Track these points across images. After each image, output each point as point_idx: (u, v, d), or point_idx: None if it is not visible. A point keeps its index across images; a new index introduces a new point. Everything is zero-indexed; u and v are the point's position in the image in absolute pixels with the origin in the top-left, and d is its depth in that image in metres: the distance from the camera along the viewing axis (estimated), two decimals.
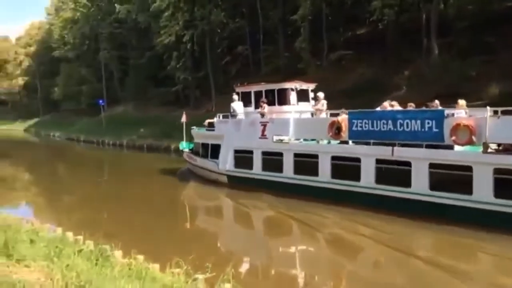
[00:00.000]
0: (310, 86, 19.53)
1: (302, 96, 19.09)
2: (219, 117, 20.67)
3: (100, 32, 60.08)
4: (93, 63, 64.65)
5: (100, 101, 50.42)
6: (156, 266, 8.08)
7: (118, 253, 8.61)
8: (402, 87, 26.61)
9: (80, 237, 9.79)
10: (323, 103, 17.15)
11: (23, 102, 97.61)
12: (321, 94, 17.38)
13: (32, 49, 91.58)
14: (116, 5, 51.27)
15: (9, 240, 6.29)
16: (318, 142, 16.45)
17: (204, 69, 44.81)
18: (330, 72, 32.63)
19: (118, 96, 59.85)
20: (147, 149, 38.37)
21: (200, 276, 7.19)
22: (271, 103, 18.72)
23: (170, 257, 7.49)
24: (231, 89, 22.03)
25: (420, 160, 13.13)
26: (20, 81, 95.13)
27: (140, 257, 8.42)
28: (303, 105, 18.79)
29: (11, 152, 47.83)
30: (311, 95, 19.14)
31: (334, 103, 18.12)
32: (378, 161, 14.14)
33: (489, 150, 12.06)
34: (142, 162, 31.90)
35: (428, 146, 13.13)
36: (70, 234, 9.94)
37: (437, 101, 14.66)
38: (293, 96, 18.75)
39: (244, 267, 10.53)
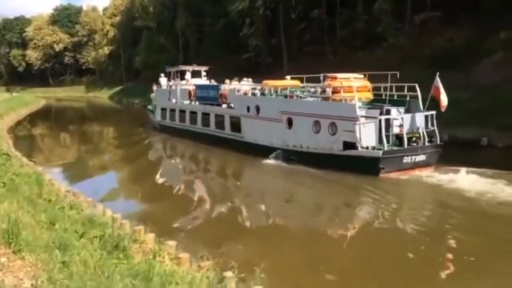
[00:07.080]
0: (203, 68, 29.88)
1: (196, 74, 29.01)
2: (156, 87, 31.40)
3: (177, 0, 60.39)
4: (171, 32, 65.48)
5: None
6: (186, 256, 7.15)
7: (150, 236, 7.84)
8: (497, 51, 23.26)
9: (118, 215, 9.18)
10: (192, 82, 27.33)
11: (108, 70, 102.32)
12: (189, 76, 28.36)
13: (117, 19, 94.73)
14: None
15: (14, 225, 5.58)
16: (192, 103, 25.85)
17: (277, 35, 43.10)
18: (412, 36, 29.57)
19: (193, 64, 60.14)
20: None
21: (229, 275, 6.16)
22: (177, 78, 29.15)
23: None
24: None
25: (212, 112, 23.11)
26: (106, 50, 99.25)
27: (172, 244, 7.54)
28: (197, 80, 27.97)
29: (97, 116, 52.81)
30: (204, 73, 29.40)
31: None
32: (202, 113, 24.10)
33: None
34: None
35: (216, 105, 22.89)
36: (108, 211, 9.39)
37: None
38: (188, 75, 28.59)
39: None
